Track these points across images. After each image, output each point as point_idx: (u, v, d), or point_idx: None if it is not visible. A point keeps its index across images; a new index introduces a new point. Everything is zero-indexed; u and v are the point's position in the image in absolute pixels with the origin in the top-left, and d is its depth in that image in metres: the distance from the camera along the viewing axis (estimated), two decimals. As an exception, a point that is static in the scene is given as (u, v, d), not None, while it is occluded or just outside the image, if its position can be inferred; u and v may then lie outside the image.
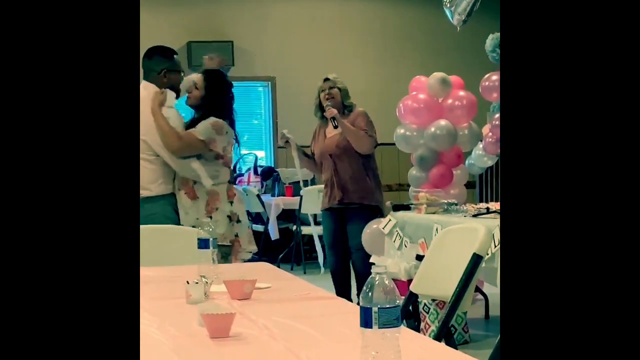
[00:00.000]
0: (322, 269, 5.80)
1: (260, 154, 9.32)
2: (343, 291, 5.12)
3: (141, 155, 4.03)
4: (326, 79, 5.18)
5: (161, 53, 4.42)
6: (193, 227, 3.73)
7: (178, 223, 4.11)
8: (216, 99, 4.36)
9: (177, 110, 4.36)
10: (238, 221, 4.31)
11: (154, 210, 4.08)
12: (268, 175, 8.68)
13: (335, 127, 4.99)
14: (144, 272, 2.96)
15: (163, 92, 4.23)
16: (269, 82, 9.19)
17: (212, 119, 4.26)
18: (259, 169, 8.85)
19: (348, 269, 5.32)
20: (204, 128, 4.23)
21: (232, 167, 4.54)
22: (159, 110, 4.15)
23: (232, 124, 4.39)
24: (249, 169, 8.94)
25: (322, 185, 5.53)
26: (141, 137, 4.00)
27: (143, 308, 2.31)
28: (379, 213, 5.15)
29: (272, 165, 9.09)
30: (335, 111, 4.98)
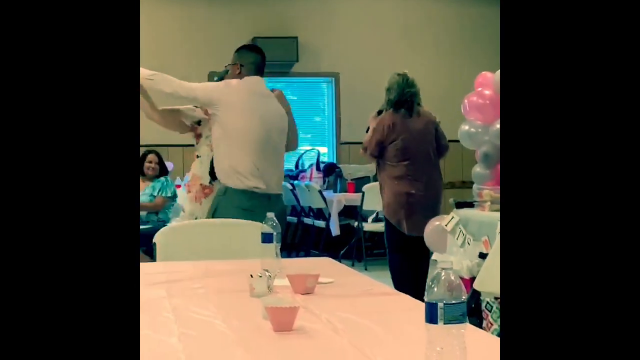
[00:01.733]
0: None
1: (323, 150, 9.34)
2: (402, 289, 5.12)
3: None
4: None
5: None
6: None
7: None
8: None
9: None
10: None
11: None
12: (330, 171, 8.68)
13: None
14: (210, 265, 3.00)
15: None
16: (333, 78, 9.20)
17: None
18: (322, 165, 8.87)
19: (408, 265, 5.34)
20: None
21: None
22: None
23: None
24: (311, 165, 8.96)
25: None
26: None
27: (208, 301, 2.34)
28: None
29: (335, 162, 9.09)
30: None
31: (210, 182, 4.27)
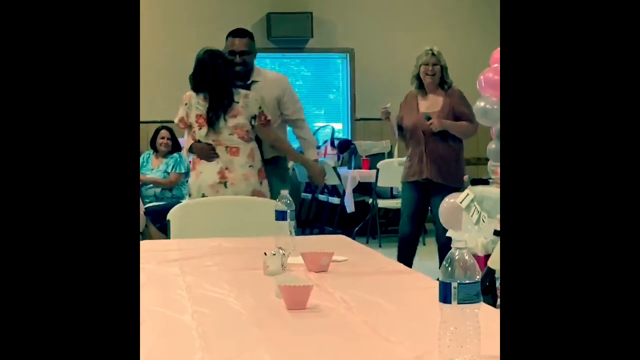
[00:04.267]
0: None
1: (338, 126, 9.31)
2: (406, 258, 5.17)
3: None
4: (432, 54, 5.20)
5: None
6: None
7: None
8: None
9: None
10: None
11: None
12: (345, 147, 8.66)
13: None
14: (223, 242, 3.00)
15: None
16: (348, 54, 9.15)
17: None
18: (336, 142, 8.85)
19: (417, 241, 5.41)
20: None
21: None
22: None
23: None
24: (325, 142, 8.94)
25: (400, 158, 5.52)
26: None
27: (222, 278, 2.35)
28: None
29: (349, 138, 9.07)
30: (437, 126, 5.04)
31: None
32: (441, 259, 5.08)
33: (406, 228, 5.35)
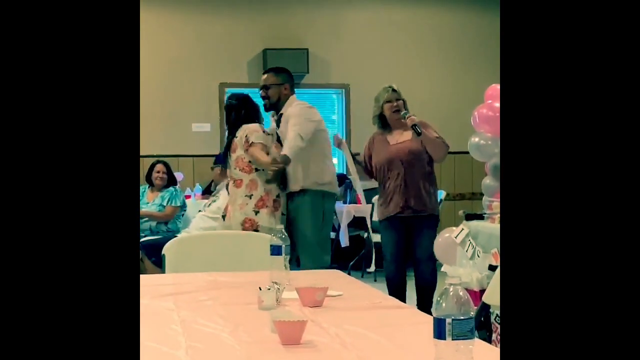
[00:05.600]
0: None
1: (333, 161, 9.34)
2: (398, 297, 5.10)
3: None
4: (393, 90, 5.23)
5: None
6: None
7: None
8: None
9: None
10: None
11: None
12: (340, 182, 8.67)
13: (419, 134, 4.97)
14: (218, 277, 3.00)
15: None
16: (343, 90, 9.20)
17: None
18: (332, 176, 8.86)
19: (405, 279, 5.32)
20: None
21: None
22: None
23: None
24: (321, 176, 8.96)
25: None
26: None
27: (216, 313, 2.34)
28: (437, 222, 5.21)
29: (345, 173, 9.09)
30: (416, 118, 5.00)
31: (277, 196, 4.68)
32: (422, 299, 5.05)
33: (392, 269, 5.27)
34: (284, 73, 4.93)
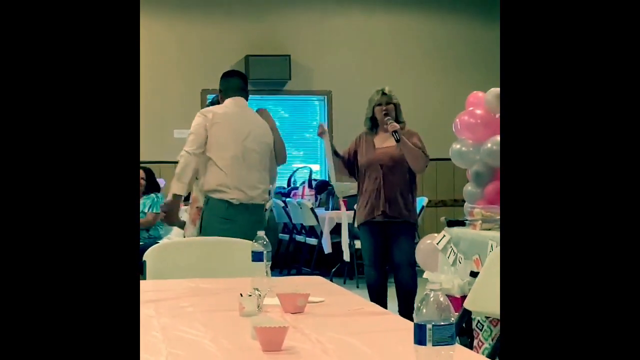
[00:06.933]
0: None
1: (315, 167, 9.34)
2: (379, 303, 5.11)
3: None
4: (383, 93, 5.22)
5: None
6: None
7: None
8: None
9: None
10: None
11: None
12: (322, 188, 8.68)
13: (398, 140, 4.98)
14: (199, 283, 2.99)
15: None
16: (325, 96, 9.21)
17: None
18: (314, 183, 8.86)
19: (386, 284, 5.31)
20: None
21: None
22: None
23: None
24: (303, 183, 8.95)
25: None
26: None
27: (197, 320, 2.33)
28: (416, 230, 5.25)
29: (327, 179, 9.10)
30: (397, 126, 5.01)
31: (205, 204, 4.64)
32: (403, 305, 5.06)
33: (372, 274, 5.27)
34: (223, 78, 4.87)
